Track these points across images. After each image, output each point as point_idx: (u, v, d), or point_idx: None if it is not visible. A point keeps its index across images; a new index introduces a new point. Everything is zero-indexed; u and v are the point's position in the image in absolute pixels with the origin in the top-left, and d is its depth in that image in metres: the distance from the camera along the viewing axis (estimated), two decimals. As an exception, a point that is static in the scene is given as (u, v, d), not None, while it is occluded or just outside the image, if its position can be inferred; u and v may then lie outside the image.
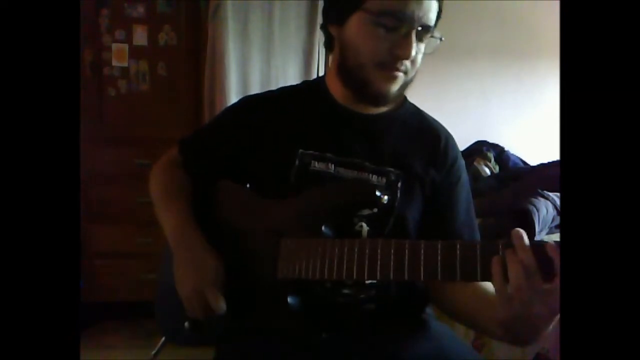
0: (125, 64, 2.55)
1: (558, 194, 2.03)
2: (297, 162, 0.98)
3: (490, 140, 2.93)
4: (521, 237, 0.69)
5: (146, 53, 2.56)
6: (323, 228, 0.88)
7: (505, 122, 3.13)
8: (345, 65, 0.97)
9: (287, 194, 0.95)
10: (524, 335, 0.76)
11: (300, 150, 0.98)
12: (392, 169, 0.98)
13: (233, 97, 2.46)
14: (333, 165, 0.98)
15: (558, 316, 0.70)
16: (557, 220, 1.98)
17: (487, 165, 2.71)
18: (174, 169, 1.12)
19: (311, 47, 2.63)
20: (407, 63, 0.93)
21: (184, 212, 1.02)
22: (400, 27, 0.90)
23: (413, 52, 0.91)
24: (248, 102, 1.11)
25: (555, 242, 0.68)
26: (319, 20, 1.04)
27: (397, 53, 0.91)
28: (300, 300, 0.89)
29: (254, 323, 0.93)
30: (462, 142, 2.17)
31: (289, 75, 2.61)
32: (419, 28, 0.91)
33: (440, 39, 0.95)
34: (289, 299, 0.88)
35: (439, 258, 0.74)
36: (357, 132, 1.01)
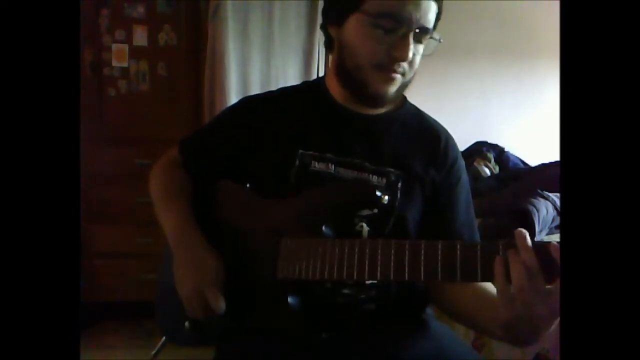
0: (125, 64, 2.55)
1: (558, 194, 2.03)
2: (297, 162, 0.98)
3: (490, 141, 2.93)
4: (524, 238, 0.69)
5: (146, 53, 2.56)
6: (323, 228, 0.88)
7: (505, 122, 3.13)
8: (343, 66, 0.97)
9: (287, 194, 0.95)
10: (525, 336, 0.76)
11: (300, 151, 0.98)
12: (392, 170, 0.98)
13: (233, 97, 2.46)
14: (333, 166, 0.98)
15: (559, 317, 0.70)
16: (557, 221, 1.98)
17: (487, 166, 2.71)
18: (174, 169, 1.12)
19: (311, 47, 2.63)
20: (405, 65, 0.93)
21: (184, 212, 1.02)
22: (398, 29, 0.90)
23: (410, 54, 0.91)
24: (248, 103, 1.11)
25: (557, 242, 0.68)
26: (319, 20, 1.04)
27: (395, 55, 0.91)
28: (300, 300, 0.89)
29: (254, 323, 0.93)
30: (462, 142, 2.17)
31: (289, 75, 2.61)
32: (417, 30, 0.91)
33: (439, 41, 0.95)
34: (289, 299, 0.88)
35: (439, 258, 0.74)
36: (357, 132, 1.01)
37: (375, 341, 0.94)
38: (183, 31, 2.57)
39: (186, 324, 0.95)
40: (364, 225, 0.95)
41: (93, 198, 2.48)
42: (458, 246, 0.73)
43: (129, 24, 2.53)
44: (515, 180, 2.42)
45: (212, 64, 2.51)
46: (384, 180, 0.97)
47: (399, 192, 0.97)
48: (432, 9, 0.92)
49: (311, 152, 0.98)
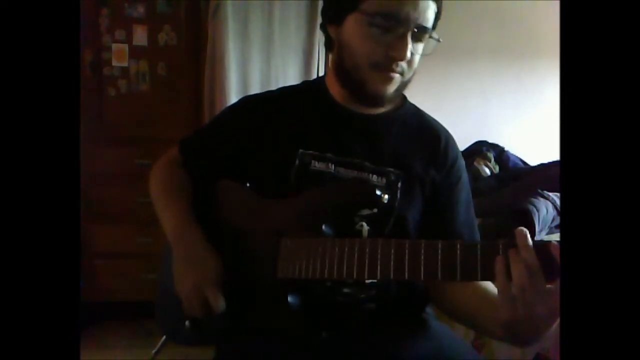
0: (125, 64, 2.54)
1: (558, 194, 2.04)
2: (297, 162, 0.98)
3: (490, 140, 2.93)
4: (525, 237, 0.69)
5: (146, 53, 2.55)
6: (323, 228, 0.88)
7: (505, 122, 3.13)
8: (342, 65, 0.97)
9: (287, 193, 0.95)
10: (525, 336, 0.75)
11: (300, 150, 0.98)
12: (392, 169, 0.98)
13: (233, 97, 2.46)
14: (333, 165, 0.98)
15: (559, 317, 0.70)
16: (557, 220, 1.98)
17: (487, 165, 2.71)
18: (174, 169, 1.12)
19: (311, 47, 2.63)
20: (403, 64, 0.93)
21: (184, 211, 1.02)
22: (395, 28, 0.90)
23: (408, 54, 0.91)
24: (248, 102, 1.11)
25: (557, 242, 0.68)
26: (319, 20, 1.04)
27: (392, 54, 0.91)
28: (300, 300, 0.89)
29: (254, 323, 0.93)
30: (462, 142, 2.17)
31: (289, 75, 2.61)
32: (415, 29, 0.91)
33: (438, 40, 0.95)
34: (289, 299, 0.88)
35: (439, 258, 0.74)
36: (357, 132, 1.01)
37: (375, 341, 0.94)
38: (183, 31, 2.57)
39: (186, 323, 0.95)
40: (364, 224, 0.95)
41: (93, 198, 2.48)
42: (458, 246, 0.73)
43: (129, 24, 2.52)
44: (515, 180, 2.42)
45: (212, 64, 2.51)
46: (384, 180, 0.97)
47: (399, 191, 0.97)
48: (431, 8, 0.92)
49: (311, 152, 0.98)
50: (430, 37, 0.94)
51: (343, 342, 0.93)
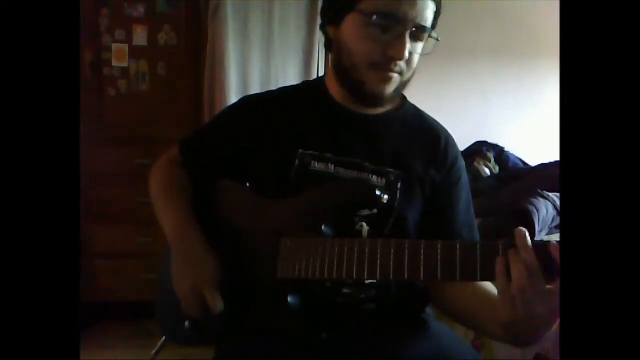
0: (125, 64, 2.55)
1: (558, 194, 2.04)
2: (297, 162, 0.98)
3: (490, 141, 2.93)
4: (524, 237, 0.69)
5: (146, 53, 2.56)
6: (323, 228, 0.88)
7: (505, 122, 3.13)
8: (341, 65, 0.97)
9: (287, 194, 0.95)
10: (525, 336, 0.75)
11: (300, 151, 0.98)
12: (392, 170, 0.98)
13: (233, 97, 2.46)
14: (333, 166, 0.98)
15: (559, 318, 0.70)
16: (557, 221, 1.98)
17: (487, 166, 2.71)
18: (174, 169, 1.12)
19: (311, 47, 2.63)
20: (402, 64, 0.93)
21: (184, 211, 1.02)
22: (394, 28, 0.90)
23: (407, 53, 0.91)
24: (248, 102, 1.11)
25: (557, 242, 0.68)
26: (319, 20, 1.04)
27: (391, 54, 0.91)
28: (300, 300, 0.89)
29: (253, 323, 0.93)
30: (462, 142, 2.18)
31: (289, 75, 2.61)
32: (414, 29, 0.91)
33: (437, 39, 0.95)
34: (289, 299, 0.88)
35: (439, 258, 0.74)
36: (357, 132, 1.01)
37: (375, 341, 0.94)
38: (183, 31, 2.57)
39: (186, 323, 0.95)
40: (364, 225, 0.95)
41: (93, 198, 2.48)
42: (458, 246, 0.73)
43: (129, 24, 2.52)
44: (515, 180, 2.42)
45: (212, 64, 2.51)
46: (384, 180, 0.97)
47: (398, 192, 0.97)
48: (430, 8, 0.92)
49: (311, 152, 0.98)
50: (430, 36, 0.94)
51: (343, 342, 0.93)
